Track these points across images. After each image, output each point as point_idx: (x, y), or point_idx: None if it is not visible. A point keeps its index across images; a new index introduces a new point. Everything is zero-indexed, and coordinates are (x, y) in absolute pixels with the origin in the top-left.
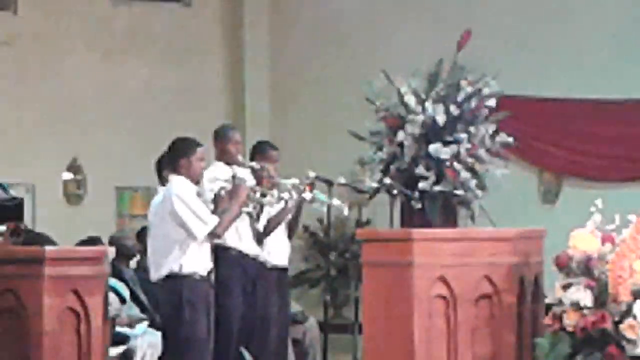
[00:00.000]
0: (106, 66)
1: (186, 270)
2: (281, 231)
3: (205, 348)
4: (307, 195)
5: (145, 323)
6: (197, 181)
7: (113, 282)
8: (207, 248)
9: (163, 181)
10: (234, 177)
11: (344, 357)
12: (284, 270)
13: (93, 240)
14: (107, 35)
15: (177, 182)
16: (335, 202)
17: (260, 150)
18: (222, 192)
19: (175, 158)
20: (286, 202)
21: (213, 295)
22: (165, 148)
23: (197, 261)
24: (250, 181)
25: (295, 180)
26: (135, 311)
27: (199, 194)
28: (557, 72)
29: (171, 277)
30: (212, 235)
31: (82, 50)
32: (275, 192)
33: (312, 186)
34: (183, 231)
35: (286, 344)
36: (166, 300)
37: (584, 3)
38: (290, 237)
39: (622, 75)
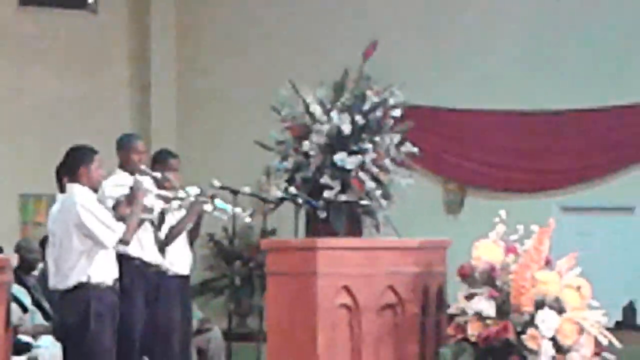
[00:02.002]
0: (10, 72)
1: (94, 280)
2: (182, 239)
3: (110, 359)
4: (208, 207)
5: (50, 337)
6: (95, 189)
7: (15, 289)
8: (112, 257)
9: (63, 189)
10: (135, 180)
11: None
12: (185, 278)
13: None
14: (12, 41)
15: (79, 191)
16: (237, 210)
17: (160, 159)
18: (121, 198)
19: (73, 167)
20: (187, 203)
21: (118, 305)
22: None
23: (104, 270)
24: (153, 189)
25: (197, 189)
26: (39, 318)
27: (99, 202)
28: (463, 84)
29: (78, 288)
30: (121, 242)
31: None
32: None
33: (212, 198)
34: (89, 241)
35: (189, 353)
36: (72, 310)
37: (491, 17)
38: (191, 245)
39: (527, 87)
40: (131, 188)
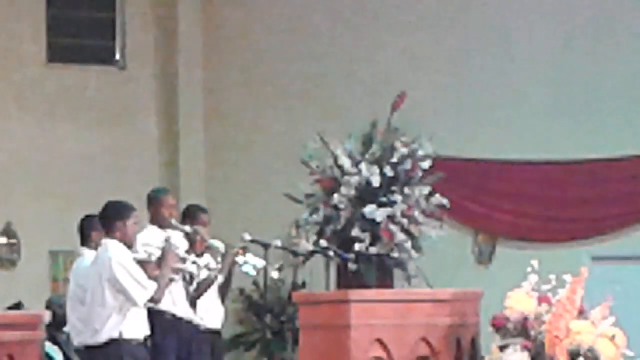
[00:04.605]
0: (40, 129)
1: (126, 335)
2: (213, 294)
3: None
4: (240, 258)
5: None
6: (130, 245)
7: (47, 346)
8: (144, 313)
9: (86, 242)
10: (167, 239)
11: None
12: (217, 333)
13: (17, 306)
14: (40, 99)
15: (114, 247)
16: (263, 263)
17: (190, 214)
18: (152, 258)
19: (111, 221)
20: (214, 273)
21: None
22: (97, 211)
23: (136, 326)
24: (183, 245)
25: (222, 246)
26: None
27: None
28: (491, 134)
29: (110, 343)
30: (152, 300)
31: (16, 112)
32: (204, 261)
33: (244, 249)
34: (121, 297)
35: None
36: None
37: (517, 65)
38: (222, 299)
39: (554, 136)
40: (163, 249)
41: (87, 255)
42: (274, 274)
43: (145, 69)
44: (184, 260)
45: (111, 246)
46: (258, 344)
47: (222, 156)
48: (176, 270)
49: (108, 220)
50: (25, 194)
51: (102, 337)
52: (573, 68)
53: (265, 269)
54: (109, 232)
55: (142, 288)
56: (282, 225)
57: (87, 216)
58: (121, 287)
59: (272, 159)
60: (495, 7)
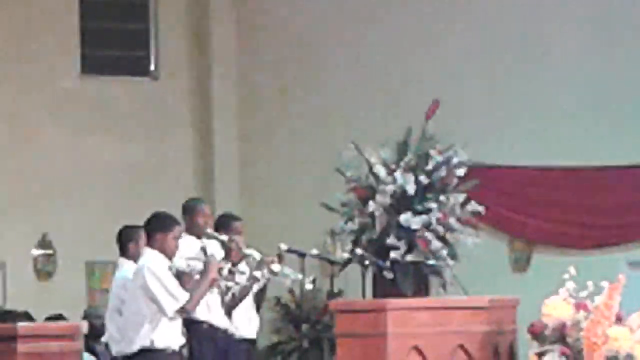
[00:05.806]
0: (75, 141)
1: (158, 345)
2: (249, 303)
3: None
4: (276, 266)
5: None
6: (170, 257)
7: (85, 356)
8: (178, 323)
9: (124, 253)
10: (203, 249)
11: None
12: (252, 342)
13: (57, 317)
14: (75, 110)
15: (150, 256)
16: (299, 276)
17: (223, 223)
18: (190, 270)
19: (152, 232)
20: (252, 282)
21: None
22: (131, 222)
23: (169, 336)
24: (220, 254)
25: (258, 254)
26: None
27: (170, 269)
28: (526, 141)
29: (143, 352)
30: (182, 311)
31: (50, 125)
32: (239, 275)
33: (279, 258)
34: (153, 306)
35: None
36: None
37: (551, 72)
38: (258, 308)
39: (591, 142)
40: (205, 257)
41: (126, 266)
42: (308, 286)
43: (179, 79)
44: (228, 276)
45: (148, 255)
46: (295, 353)
47: (257, 166)
48: (215, 285)
49: (150, 230)
50: (60, 205)
51: (135, 346)
52: (608, 74)
53: (302, 280)
54: (150, 242)
55: (172, 298)
56: (318, 234)
57: (125, 227)
58: (152, 295)
59: (307, 168)
60: (530, 14)
